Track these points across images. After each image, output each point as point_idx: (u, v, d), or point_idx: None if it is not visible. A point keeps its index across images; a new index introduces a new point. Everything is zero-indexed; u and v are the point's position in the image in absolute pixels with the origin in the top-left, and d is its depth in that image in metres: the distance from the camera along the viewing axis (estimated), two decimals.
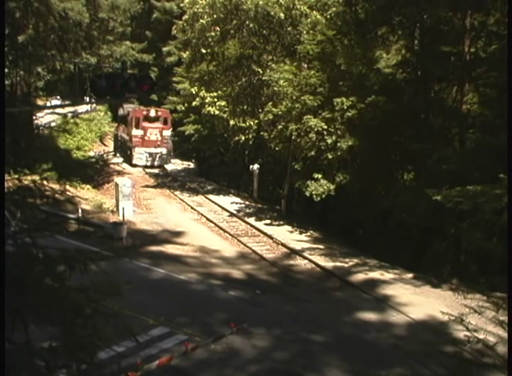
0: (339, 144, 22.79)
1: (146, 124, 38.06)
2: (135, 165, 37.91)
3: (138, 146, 38.09)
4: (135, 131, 38.13)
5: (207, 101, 31.76)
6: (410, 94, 23.17)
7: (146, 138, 38.05)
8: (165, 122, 39.22)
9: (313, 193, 22.81)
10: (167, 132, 39.15)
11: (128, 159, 39.57)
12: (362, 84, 23.33)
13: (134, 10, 41.73)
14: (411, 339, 12.59)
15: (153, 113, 38.83)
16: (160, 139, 38.37)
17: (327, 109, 23.24)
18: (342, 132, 22.99)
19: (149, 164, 38.49)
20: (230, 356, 11.16)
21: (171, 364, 10.23)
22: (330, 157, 23.24)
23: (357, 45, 23.67)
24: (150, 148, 38.24)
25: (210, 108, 31.49)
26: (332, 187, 22.91)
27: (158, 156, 38.76)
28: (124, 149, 42.19)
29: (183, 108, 41.46)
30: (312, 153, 23.64)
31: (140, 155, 38.12)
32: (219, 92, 31.80)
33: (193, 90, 33.31)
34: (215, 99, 31.63)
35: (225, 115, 31.40)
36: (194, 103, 33.14)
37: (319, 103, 23.47)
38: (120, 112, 44.05)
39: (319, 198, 22.99)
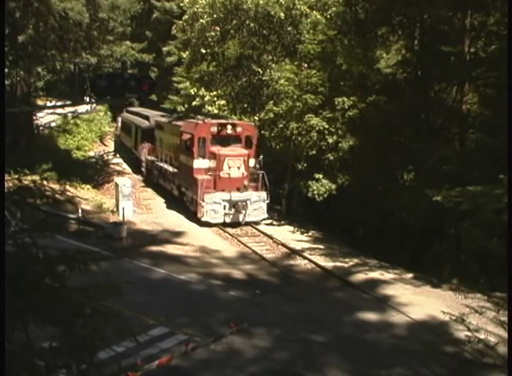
0: (340, 144, 22.88)
1: (219, 149, 22.89)
2: (207, 223, 22.41)
3: (209, 189, 22.30)
4: (199, 163, 22.91)
5: (206, 100, 31.75)
6: (410, 94, 23.20)
7: (223, 174, 22.42)
8: (248, 143, 23.92)
9: (315, 193, 22.90)
10: (253, 161, 23.99)
11: (179, 203, 24.89)
12: (362, 84, 23.39)
13: (134, 10, 41.69)
14: (411, 339, 12.58)
15: (229, 129, 23.47)
16: (245, 174, 22.85)
17: (328, 108, 23.31)
18: (343, 132, 23.06)
19: (229, 220, 22.50)
20: (230, 356, 11.16)
21: (171, 364, 10.24)
22: (331, 157, 23.33)
23: (357, 44, 23.75)
24: (232, 192, 22.27)
25: (209, 107, 31.49)
26: (333, 187, 23.03)
27: (246, 205, 22.44)
28: (165, 185, 27.51)
29: (183, 108, 39.85)
30: (313, 152, 23.72)
31: (215, 206, 22.11)
32: (219, 92, 31.81)
33: (193, 91, 33.32)
34: (214, 98, 31.63)
35: (225, 114, 31.43)
36: (194, 103, 33.13)
37: (320, 103, 23.54)
38: (145, 124, 32.52)
39: (321, 198, 23.07)
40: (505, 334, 6.48)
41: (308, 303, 15.24)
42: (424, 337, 12.41)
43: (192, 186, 23.07)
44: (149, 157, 30.32)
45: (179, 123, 26.06)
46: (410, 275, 18.42)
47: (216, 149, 22.83)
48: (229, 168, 22.43)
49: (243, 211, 22.41)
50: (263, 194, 22.97)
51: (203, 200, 21.99)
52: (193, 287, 15.85)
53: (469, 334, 6.95)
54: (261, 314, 13.81)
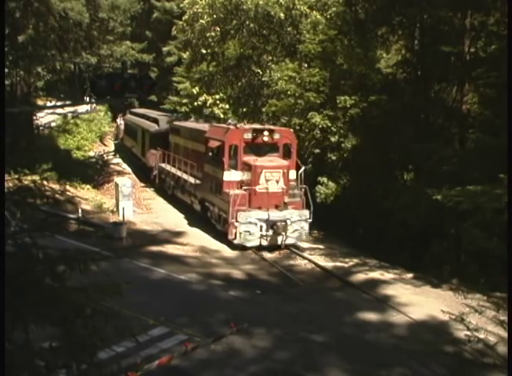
0: (343, 144, 22.95)
1: (254, 159, 19.75)
2: (242, 247, 19.45)
3: (243, 206, 18.98)
4: (230, 175, 19.77)
5: (208, 104, 31.73)
6: (410, 94, 23.24)
7: (260, 189, 19.12)
8: (287, 152, 20.55)
9: (322, 197, 23.06)
10: (294, 173, 20.25)
11: (208, 223, 21.47)
12: (363, 84, 23.44)
13: (134, 10, 41.61)
14: (411, 339, 12.58)
15: (265, 136, 20.00)
16: (285, 189, 19.45)
17: (329, 107, 23.39)
18: (345, 131, 23.13)
19: (267, 242, 19.37)
20: (230, 356, 11.15)
21: (171, 364, 10.24)
22: (334, 157, 23.40)
23: (357, 44, 23.80)
24: (270, 210, 19.12)
25: (213, 109, 31.42)
26: (338, 188, 23.21)
27: (286, 226, 19.13)
28: (183, 198, 24.58)
29: (187, 109, 37.98)
30: (317, 150, 23.78)
31: (250, 227, 18.96)
32: (220, 95, 31.78)
33: (194, 90, 33.30)
34: (217, 102, 31.59)
35: (228, 117, 31.40)
36: (196, 104, 33.09)
37: (322, 101, 23.63)
38: (153, 127, 29.95)
39: (328, 201, 23.19)
40: (505, 334, 6.49)
41: (308, 303, 15.24)
42: (424, 337, 12.40)
43: (220, 202, 19.95)
44: (161, 165, 27.25)
45: (203, 127, 23.22)
46: (410, 275, 18.41)
47: (251, 159, 19.67)
48: (267, 181, 19.07)
49: (283, 233, 19.09)
50: (305, 213, 19.55)
51: (236, 220, 18.75)
52: (193, 287, 15.85)
53: (469, 333, 6.96)
54: (261, 314, 13.82)
